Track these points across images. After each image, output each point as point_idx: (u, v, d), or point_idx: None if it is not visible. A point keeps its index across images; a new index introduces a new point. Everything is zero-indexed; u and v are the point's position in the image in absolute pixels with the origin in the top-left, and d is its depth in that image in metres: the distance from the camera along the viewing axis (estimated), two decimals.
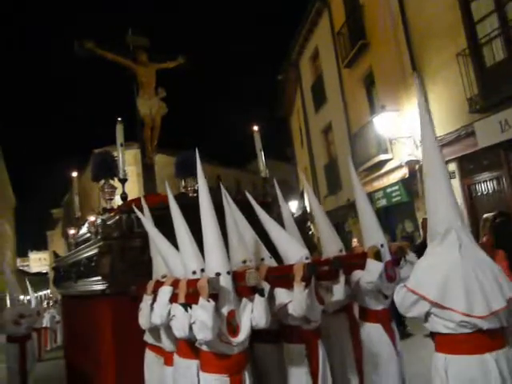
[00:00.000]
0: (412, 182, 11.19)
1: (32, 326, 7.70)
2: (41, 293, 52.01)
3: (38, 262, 79.22)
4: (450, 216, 2.53)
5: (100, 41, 5.97)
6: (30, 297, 9.68)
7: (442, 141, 9.21)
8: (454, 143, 9.49)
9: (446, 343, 2.44)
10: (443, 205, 2.55)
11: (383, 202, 13.08)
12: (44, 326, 14.38)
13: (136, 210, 3.95)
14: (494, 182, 8.90)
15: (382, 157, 12.23)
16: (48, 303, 21.54)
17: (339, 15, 14.83)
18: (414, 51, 10.83)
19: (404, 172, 11.34)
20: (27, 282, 9.98)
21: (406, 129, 11.04)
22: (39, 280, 56.10)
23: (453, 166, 9.70)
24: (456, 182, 9.52)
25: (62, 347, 7.73)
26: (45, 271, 59.84)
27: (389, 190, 12.57)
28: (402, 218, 12.76)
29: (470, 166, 9.55)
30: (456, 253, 2.45)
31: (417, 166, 10.75)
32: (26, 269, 68.92)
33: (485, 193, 9.24)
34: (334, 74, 15.76)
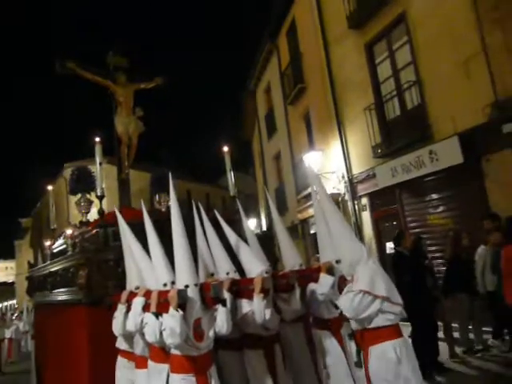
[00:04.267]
0: None
1: None
2: (6, 303, 50.95)
3: (5, 271, 77.25)
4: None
5: (80, 61, 6.30)
6: None
7: (357, 178, 11.83)
8: (365, 181, 11.55)
9: (387, 333, 3.12)
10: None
11: (314, 228, 14.55)
12: (8, 337, 14.33)
13: (120, 220, 4.24)
14: (393, 215, 10.93)
15: (315, 187, 13.24)
16: (12, 314, 21.33)
17: (285, 57, 16.61)
18: (337, 100, 12.77)
19: None
20: None
21: (330, 165, 13.00)
22: (5, 290, 54.93)
23: (365, 200, 11.94)
24: (367, 214, 11.83)
25: (33, 356, 7.91)
26: (11, 281, 58.42)
27: None
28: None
29: (377, 201, 11.57)
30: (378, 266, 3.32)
31: (339, 199, 12.68)
32: None
33: (387, 224, 11.40)
34: (281, 108, 17.49)
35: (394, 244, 6.95)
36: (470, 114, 8.34)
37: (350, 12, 11.62)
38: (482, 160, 8.28)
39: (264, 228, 20.74)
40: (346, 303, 3.21)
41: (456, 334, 7.19)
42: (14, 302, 46.92)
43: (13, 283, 53.23)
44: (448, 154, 8.74)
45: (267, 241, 4.92)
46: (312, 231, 15.08)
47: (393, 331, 3.16)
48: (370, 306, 3.13)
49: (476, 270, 6.81)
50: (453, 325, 7.17)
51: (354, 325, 3.35)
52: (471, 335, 7.17)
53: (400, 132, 10.27)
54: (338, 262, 3.91)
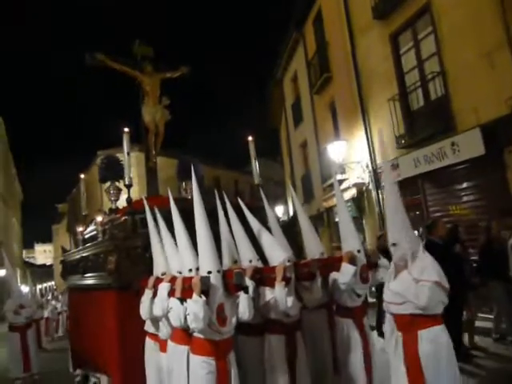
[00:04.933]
0: (360, 201, 12.93)
1: (32, 316, 8.14)
2: (45, 284, 52.62)
3: (44, 254, 79.64)
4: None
5: (109, 52, 6.34)
6: (30, 289, 10.07)
7: (381, 168, 11.32)
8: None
9: (437, 319, 3.12)
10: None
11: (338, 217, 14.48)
12: (46, 316, 14.77)
13: (147, 208, 4.31)
14: (416, 205, 10.58)
15: (339, 177, 13.23)
16: (53, 294, 21.97)
17: (312, 46, 16.26)
18: (362, 91, 12.52)
19: (354, 192, 12.85)
20: (28, 275, 10.31)
21: (355, 155, 12.75)
22: (44, 272, 56.73)
23: None
24: None
25: (66, 336, 8.14)
26: (49, 263, 60.24)
27: None
28: None
29: (400, 190, 10.73)
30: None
31: (364, 188, 12.53)
32: (31, 260, 69.55)
33: (411, 214, 10.66)
34: (307, 97, 17.17)
35: (427, 233, 6.82)
36: (493, 105, 8.12)
37: (375, 2, 11.34)
38: (504, 152, 8.09)
39: (291, 215, 20.66)
40: (423, 295, 3.03)
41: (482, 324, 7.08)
42: (53, 283, 48.35)
43: (51, 265, 54.86)
44: (470, 145, 8.56)
45: (291, 229, 4.85)
46: (336, 219, 14.99)
47: (440, 317, 3.15)
48: (440, 297, 3.07)
49: (509, 258, 6.65)
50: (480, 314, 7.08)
51: (397, 308, 3.18)
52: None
53: (423, 123, 10.04)
54: (359, 251, 3.85)
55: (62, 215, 48.59)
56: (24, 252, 61.06)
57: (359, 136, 12.64)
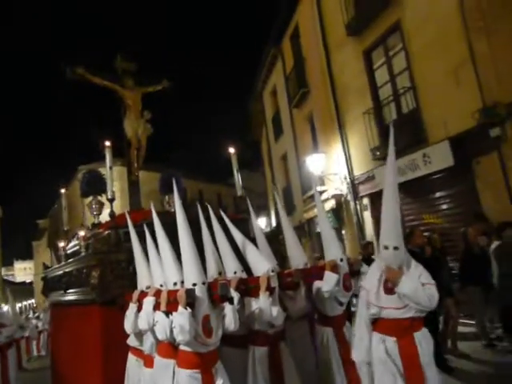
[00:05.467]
0: (339, 212, 13.08)
1: (13, 336, 7.83)
2: (25, 302, 50.97)
3: (23, 271, 77.37)
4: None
5: (90, 66, 6.21)
6: (9, 308, 9.72)
7: (358, 179, 11.66)
8: (366, 182, 11.38)
9: (422, 322, 3.15)
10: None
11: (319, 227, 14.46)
12: (26, 335, 14.30)
13: (130, 223, 4.20)
14: None
15: (318, 188, 13.34)
16: (33, 312, 21.32)
17: (290, 61, 16.38)
18: (338, 104, 12.70)
19: (333, 203, 13.00)
20: (8, 293, 9.91)
21: (333, 167, 12.88)
22: (24, 290, 54.97)
23: (366, 201, 11.81)
24: (368, 214, 11.73)
25: (49, 354, 7.84)
26: (29, 281, 58.43)
27: None
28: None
29: (377, 201, 11.09)
30: None
31: (342, 199, 12.62)
32: (10, 278, 67.29)
33: None
34: (286, 110, 17.21)
35: (405, 242, 6.84)
36: (461, 119, 8.34)
37: (348, 20, 11.55)
38: (472, 162, 8.33)
39: (273, 226, 20.53)
40: (434, 297, 3.04)
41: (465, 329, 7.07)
42: (33, 301, 46.89)
43: (31, 283, 53.25)
44: (440, 157, 8.78)
45: (275, 239, 4.81)
46: (318, 230, 15.00)
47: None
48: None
49: (492, 264, 6.68)
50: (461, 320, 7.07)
51: (396, 313, 3.05)
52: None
53: (396, 136, 10.12)
54: (342, 260, 3.85)
55: (43, 231, 47.42)
56: (3, 270, 59.19)
57: (337, 148, 12.79)
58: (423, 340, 3.06)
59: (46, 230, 44.86)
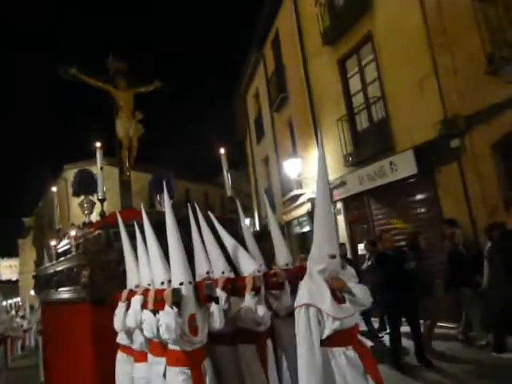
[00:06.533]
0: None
1: (4, 333, 7.63)
2: (10, 301, 49.28)
3: (9, 268, 74.80)
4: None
5: (82, 66, 6.03)
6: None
7: (332, 183, 11.53)
8: (339, 187, 11.42)
9: None
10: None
11: (298, 229, 15.02)
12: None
13: (120, 222, 4.10)
14: (364, 219, 10.92)
15: (296, 191, 13.64)
16: (17, 311, 20.63)
17: (271, 65, 16.30)
18: (315, 111, 12.70)
19: (309, 206, 12.98)
20: None
21: (309, 171, 12.72)
22: (9, 287, 53.07)
23: (339, 205, 11.87)
24: (341, 218, 11.83)
25: (40, 351, 7.62)
26: (15, 278, 56.54)
27: (301, 220, 14.56)
28: (310, 243, 14.63)
29: (349, 205, 11.61)
30: None
31: None
32: None
33: (359, 227, 11.39)
34: (268, 114, 17.05)
35: (377, 246, 7.02)
36: (424, 129, 8.47)
37: (324, 29, 11.55)
38: (434, 171, 8.47)
39: (257, 227, 19.99)
40: (369, 295, 2.93)
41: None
42: (19, 299, 45.41)
43: (17, 281, 51.57)
44: (405, 165, 8.93)
45: (263, 239, 4.76)
46: (296, 231, 15.18)
47: None
48: None
49: (484, 265, 6.41)
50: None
51: (351, 320, 2.81)
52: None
53: (367, 143, 10.33)
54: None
55: (28, 229, 46.15)
56: None
57: (313, 153, 12.70)
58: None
59: (32, 228, 43.71)
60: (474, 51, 7.39)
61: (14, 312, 20.37)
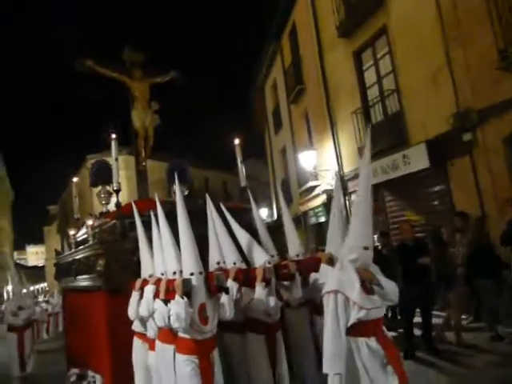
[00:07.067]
0: (330, 206, 12.60)
1: (30, 318, 7.77)
2: (37, 286, 50.58)
3: (35, 255, 76.42)
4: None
5: (98, 58, 5.99)
6: (27, 291, 9.57)
7: (347, 175, 11.43)
8: (354, 179, 11.09)
9: None
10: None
11: (313, 220, 14.91)
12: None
13: (135, 213, 4.08)
14: (378, 210, 10.31)
15: (312, 183, 13.44)
16: (44, 296, 21.05)
17: (288, 57, 16.00)
18: (330, 103, 12.43)
19: (324, 198, 12.84)
20: (23, 277, 9.78)
21: (326, 163, 12.60)
22: (36, 273, 54.35)
23: (354, 197, 11.15)
24: None
25: (56, 338, 7.73)
26: (41, 265, 57.83)
27: (316, 211, 14.42)
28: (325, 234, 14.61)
29: None
30: None
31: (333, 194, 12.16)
32: (22, 262, 66.69)
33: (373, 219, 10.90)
34: (285, 105, 16.76)
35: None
36: (438, 122, 8.29)
37: (339, 22, 11.33)
38: (447, 165, 8.31)
39: (275, 217, 20.02)
40: (397, 290, 2.87)
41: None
42: (45, 284, 46.36)
43: (43, 267, 52.66)
44: (417, 158, 8.76)
45: (276, 230, 4.69)
46: (312, 222, 15.05)
47: None
48: None
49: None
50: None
51: (377, 311, 2.77)
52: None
53: (381, 136, 10.07)
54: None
55: (53, 217, 46.97)
56: (15, 254, 58.62)
57: (329, 145, 12.60)
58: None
59: (56, 216, 44.45)
60: (486, 46, 7.20)
61: (41, 297, 20.80)
